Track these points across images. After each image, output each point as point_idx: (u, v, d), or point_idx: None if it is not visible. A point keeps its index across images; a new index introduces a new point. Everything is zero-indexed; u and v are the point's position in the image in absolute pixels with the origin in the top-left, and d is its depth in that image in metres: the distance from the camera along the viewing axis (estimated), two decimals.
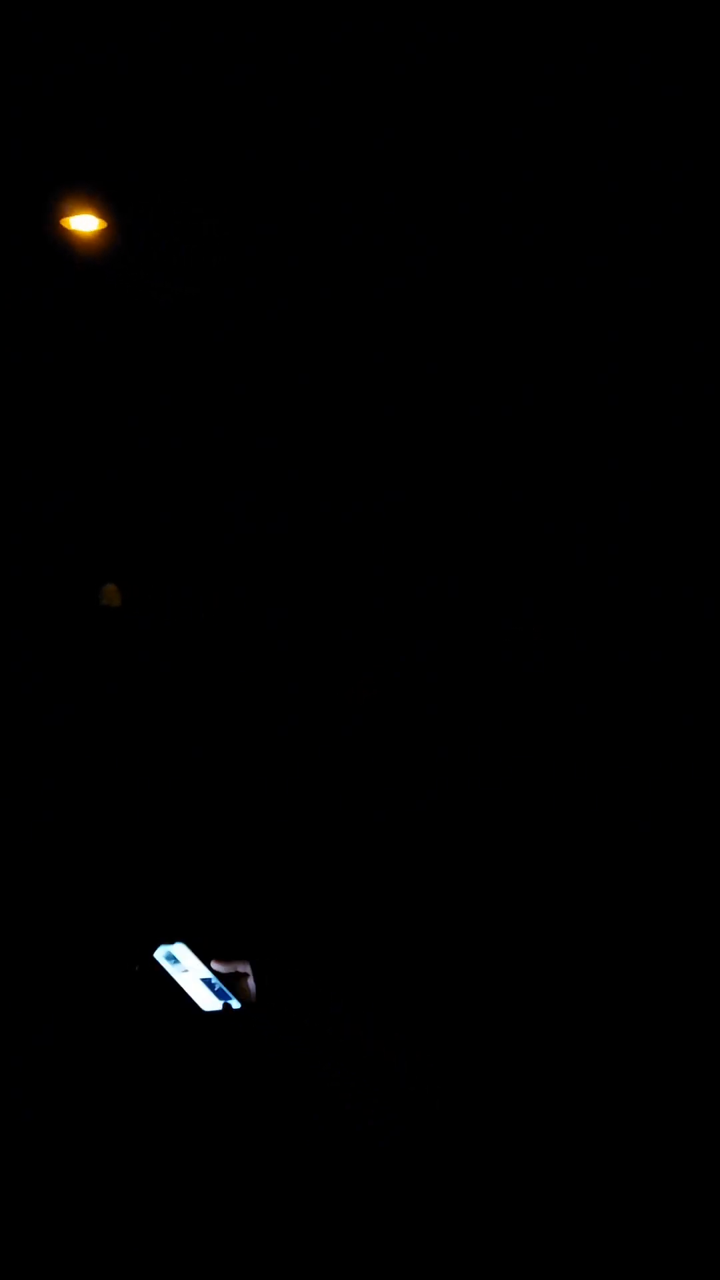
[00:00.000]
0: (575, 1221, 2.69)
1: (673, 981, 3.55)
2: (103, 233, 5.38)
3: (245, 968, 2.98)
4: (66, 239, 5.39)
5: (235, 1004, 2.84)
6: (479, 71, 3.43)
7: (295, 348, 5.40)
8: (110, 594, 5.62)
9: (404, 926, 4.10)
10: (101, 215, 5.31)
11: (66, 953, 3.86)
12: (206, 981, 2.86)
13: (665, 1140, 2.94)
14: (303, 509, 5.40)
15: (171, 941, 2.94)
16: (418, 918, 4.16)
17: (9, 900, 4.16)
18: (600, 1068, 3.17)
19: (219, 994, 2.85)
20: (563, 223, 4.27)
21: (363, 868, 4.53)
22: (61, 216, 5.31)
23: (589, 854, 4.23)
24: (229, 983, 2.90)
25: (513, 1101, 2.97)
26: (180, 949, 2.93)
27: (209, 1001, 2.82)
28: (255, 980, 2.95)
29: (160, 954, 2.91)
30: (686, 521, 4.57)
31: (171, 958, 2.91)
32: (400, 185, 4.56)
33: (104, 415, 5.84)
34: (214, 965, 2.94)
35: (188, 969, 2.88)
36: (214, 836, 4.79)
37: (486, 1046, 3.15)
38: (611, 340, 4.54)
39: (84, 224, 5.39)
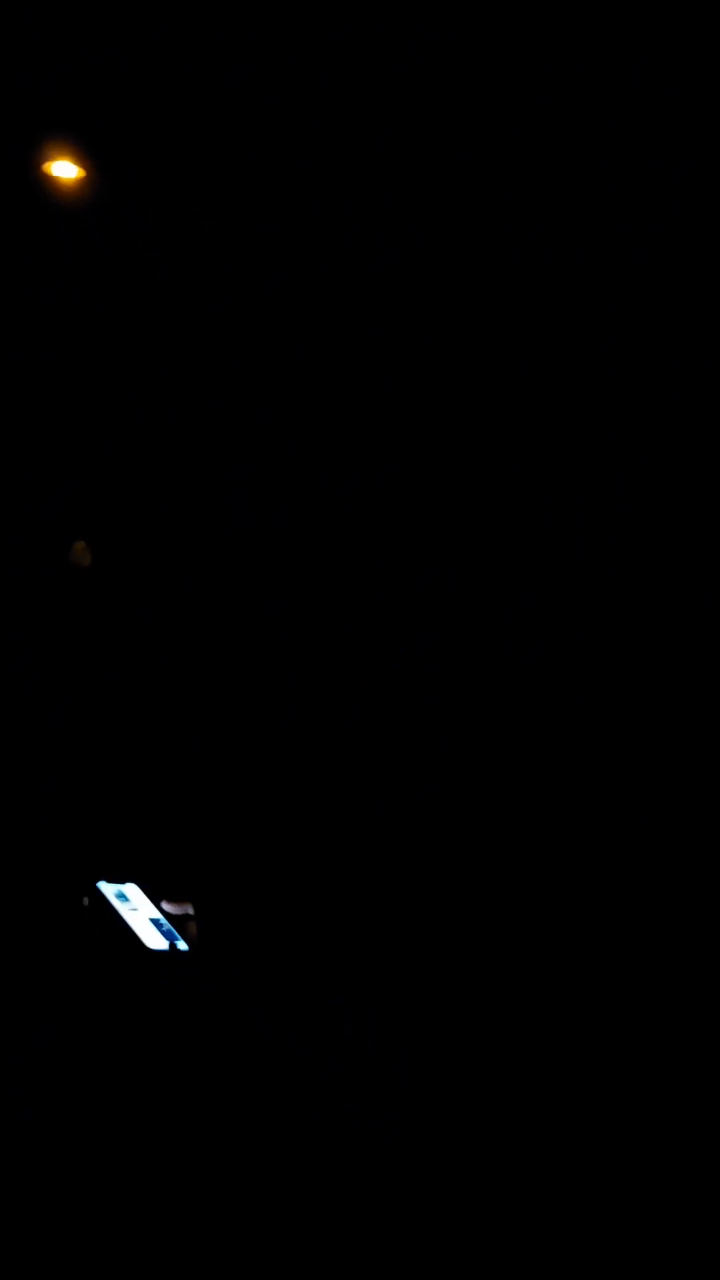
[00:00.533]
0: (574, 1220, 2.72)
1: (672, 977, 3.56)
2: (85, 183, 5.24)
3: (192, 910, 3.05)
4: (50, 187, 5.23)
5: (181, 945, 2.91)
6: (480, 67, 3.39)
7: (292, 322, 5.34)
8: (79, 551, 5.59)
9: (403, 919, 4.12)
10: (82, 166, 5.16)
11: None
12: (155, 921, 2.93)
13: (663, 1138, 2.96)
14: (302, 501, 5.37)
15: (122, 881, 3.00)
16: (417, 910, 4.18)
17: None
18: (599, 1064, 3.19)
19: (166, 934, 2.92)
20: (558, 199, 4.20)
21: (363, 860, 4.55)
22: (43, 163, 5.17)
23: (588, 847, 4.24)
24: (177, 924, 2.97)
25: (511, 1101, 2.99)
26: (130, 889, 2.99)
27: (156, 940, 2.89)
28: (200, 923, 3.02)
29: (109, 891, 2.96)
30: (686, 514, 4.55)
31: (121, 896, 2.96)
32: (399, 159, 4.48)
33: (100, 396, 5.80)
34: (164, 906, 3.00)
35: (136, 908, 2.94)
36: (209, 818, 4.81)
37: (485, 1045, 3.17)
38: (609, 313, 4.45)
39: (64, 171, 5.22)
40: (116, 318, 5.70)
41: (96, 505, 5.76)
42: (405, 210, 4.69)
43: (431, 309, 4.82)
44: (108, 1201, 2.77)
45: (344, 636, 5.24)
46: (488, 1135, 2.92)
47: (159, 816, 4.74)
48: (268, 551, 5.38)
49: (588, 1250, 2.65)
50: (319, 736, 5.08)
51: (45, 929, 3.42)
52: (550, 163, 3.84)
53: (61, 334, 5.71)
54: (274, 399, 5.49)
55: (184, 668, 5.34)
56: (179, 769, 4.99)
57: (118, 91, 4.72)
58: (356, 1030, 3.15)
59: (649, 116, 3.43)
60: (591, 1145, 2.93)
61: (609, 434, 4.54)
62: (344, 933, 3.98)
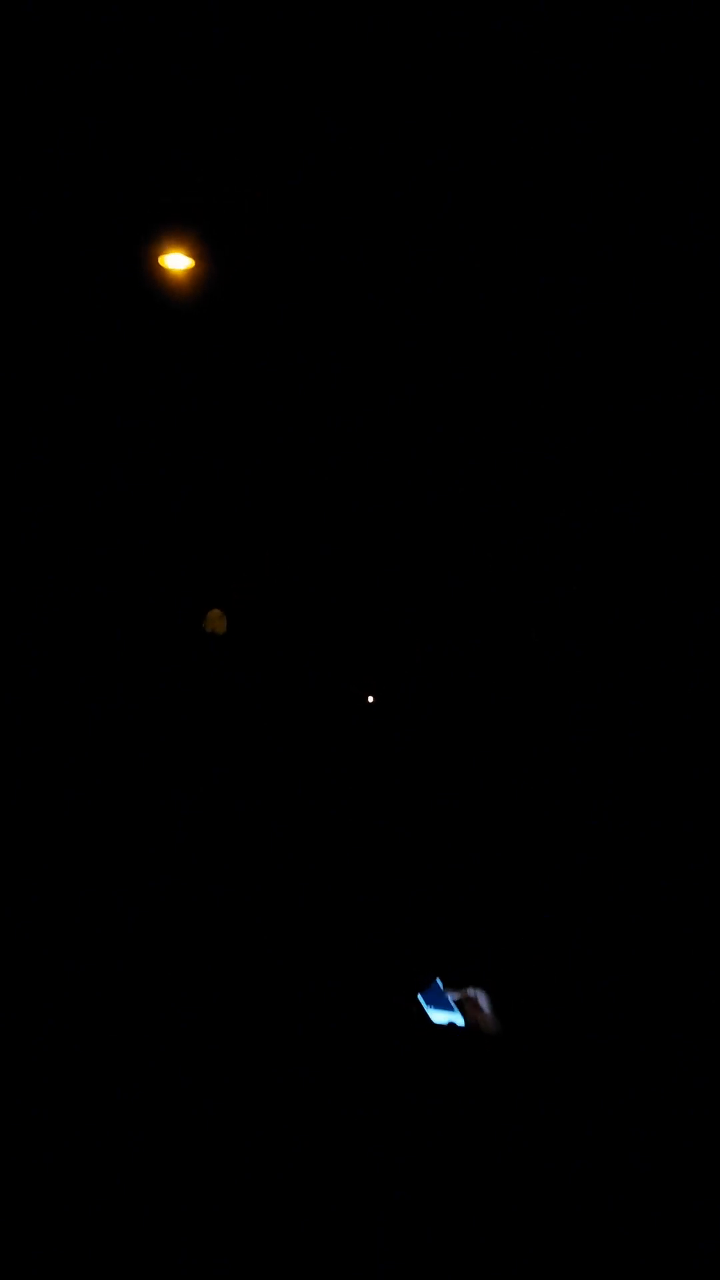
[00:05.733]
0: (575, 1221, 2.67)
1: (673, 981, 3.53)
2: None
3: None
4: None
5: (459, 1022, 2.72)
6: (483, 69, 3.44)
7: (294, 343, 5.38)
8: (214, 619, 5.48)
9: (408, 929, 4.10)
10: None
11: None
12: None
13: (665, 1141, 2.92)
14: (304, 508, 5.41)
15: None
16: (422, 920, 4.16)
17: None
18: (601, 1067, 3.15)
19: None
20: (558, 201, 4.23)
21: (365, 863, 4.54)
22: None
23: (590, 858, 4.22)
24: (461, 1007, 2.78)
25: (513, 1102, 2.96)
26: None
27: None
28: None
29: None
30: (686, 524, 4.56)
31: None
32: (397, 173, 4.51)
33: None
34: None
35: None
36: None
37: (487, 1048, 3.14)
38: (609, 313, 4.45)
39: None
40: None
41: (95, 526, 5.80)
42: (408, 217, 4.69)
43: (431, 312, 4.85)
44: (108, 1202, 2.74)
45: (343, 650, 5.26)
46: (489, 1136, 2.89)
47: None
48: (270, 565, 5.41)
49: (589, 1250, 2.61)
50: (319, 744, 5.08)
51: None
52: (550, 166, 3.89)
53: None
54: (277, 420, 5.53)
55: (180, 682, 5.35)
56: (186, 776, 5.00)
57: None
58: (356, 1030, 3.13)
59: (649, 121, 3.49)
60: (594, 1147, 2.89)
61: (610, 438, 4.57)
62: (345, 934, 3.96)
